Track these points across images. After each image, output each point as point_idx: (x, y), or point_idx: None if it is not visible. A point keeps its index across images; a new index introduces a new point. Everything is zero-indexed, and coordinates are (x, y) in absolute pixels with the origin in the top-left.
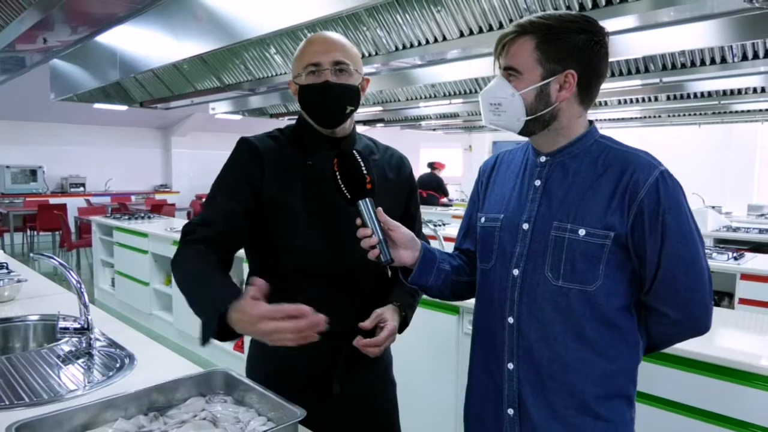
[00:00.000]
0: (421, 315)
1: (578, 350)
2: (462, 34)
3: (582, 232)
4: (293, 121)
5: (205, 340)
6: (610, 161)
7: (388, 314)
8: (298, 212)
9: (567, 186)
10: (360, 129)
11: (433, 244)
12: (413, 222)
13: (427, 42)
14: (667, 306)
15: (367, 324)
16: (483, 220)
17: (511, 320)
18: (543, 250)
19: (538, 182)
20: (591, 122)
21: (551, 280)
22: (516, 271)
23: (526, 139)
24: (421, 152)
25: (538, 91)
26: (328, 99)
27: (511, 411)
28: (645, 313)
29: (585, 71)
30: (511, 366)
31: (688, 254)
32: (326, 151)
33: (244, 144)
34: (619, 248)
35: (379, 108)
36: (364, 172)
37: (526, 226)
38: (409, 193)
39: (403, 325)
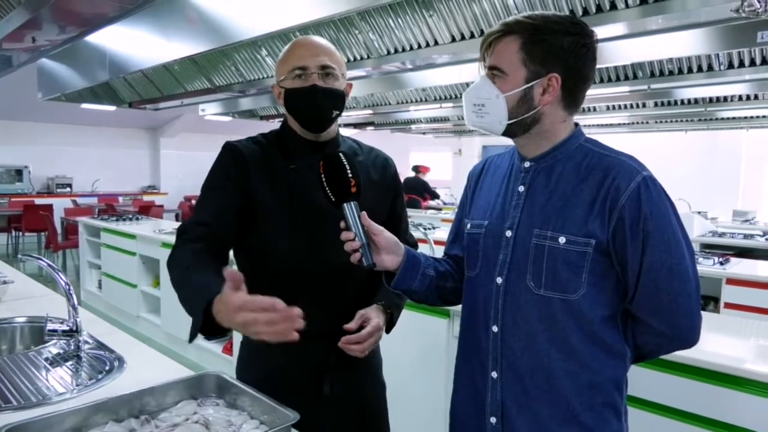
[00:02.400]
0: (412, 318)
1: (563, 360)
2: (453, 39)
3: (562, 239)
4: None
5: (192, 336)
6: (593, 166)
7: (372, 314)
8: (282, 216)
9: (549, 192)
10: (349, 132)
11: (424, 247)
12: (400, 222)
13: (419, 46)
14: (651, 316)
15: (352, 325)
16: (469, 226)
17: (495, 329)
18: (525, 259)
19: (521, 188)
20: (577, 125)
21: (533, 289)
22: (499, 279)
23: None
24: (411, 156)
25: (521, 94)
26: (316, 103)
27: (493, 419)
28: (631, 323)
29: (569, 75)
30: (495, 375)
31: (671, 263)
32: (309, 156)
33: (228, 148)
34: (602, 256)
35: (370, 111)
36: (350, 175)
37: (509, 233)
38: (395, 193)
39: (389, 324)
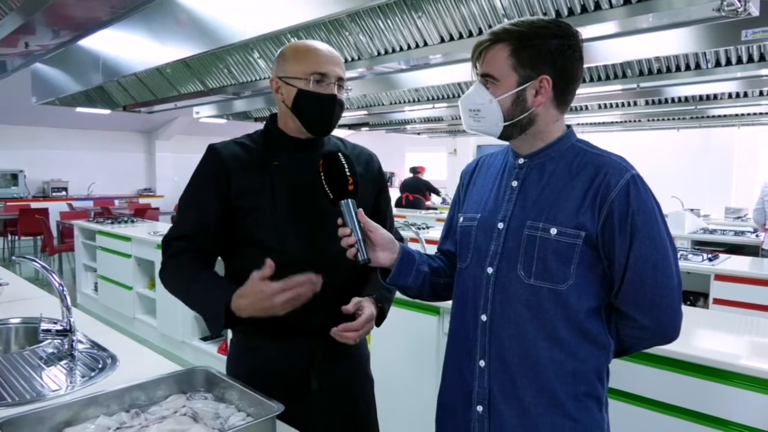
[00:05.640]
0: (402, 315)
1: (548, 349)
2: (443, 40)
3: (553, 230)
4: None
5: (216, 331)
6: (584, 164)
7: (365, 303)
8: (266, 213)
9: (542, 187)
10: (344, 132)
11: (416, 246)
12: (384, 218)
13: (409, 47)
14: (635, 310)
15: (349, 307)
16: (461, 220)
17: (484, 318)
18: (516, 249)
19: (515, 183)
20: (569, 126)
21: (523, 278)
22: (490, 269)
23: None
24: (406, 156)
25: (514, 97)
26: (332, 112)
27: (480, 408)
28: (615, 316)
29: (560, 76)
30: (482, 363)
31: (656, 258)
32: (293, 154)
33: (210, 152)
34: (590, 248)
35: (364, 112)
36: (348, 173)
37: (501, 225)
38: (379, 189)
39: (380, 317)
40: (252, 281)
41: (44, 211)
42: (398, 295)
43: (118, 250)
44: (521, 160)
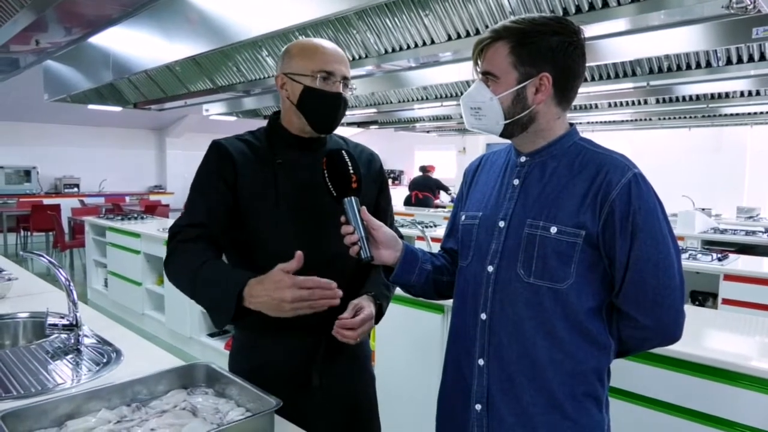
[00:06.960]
0: (406, 313)
1: (548, 348)
2: (450, 38)
3: (554, 229)
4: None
5: (222, 318)
6: (586, 162)
7: (363, 303)
8: (269, 210)
9: (543, 185)
10: (354, 131)
11: (421, 245)
12: (385, 216)
13: (416, 45)
14: (636, 310)
15: (345, 315)
16: (463, 218)
17: (483, 316)
18: (516, 247)
19: (516, 181)
20: (572, 125)
21: (523, 277)
22: (490, 268)
23: None
24: (415, 154)
25: (514, 95)
26: (337, 110)
27: (479, 406)
28: (616, 316)
29: (560, 73)
30: (481, 362)
31: (658, 257)
32: (297, 152)
33: (215, 147)
34: (591, 248)
35: (373, 110)
36: (351, 171)
37: (502, 223)
38: (380, 188)
39: (378, 315)
40: (274, 270)
41: (56, 208)
42: (403, 293)
43: (128, 247)
44: (523, 158)
